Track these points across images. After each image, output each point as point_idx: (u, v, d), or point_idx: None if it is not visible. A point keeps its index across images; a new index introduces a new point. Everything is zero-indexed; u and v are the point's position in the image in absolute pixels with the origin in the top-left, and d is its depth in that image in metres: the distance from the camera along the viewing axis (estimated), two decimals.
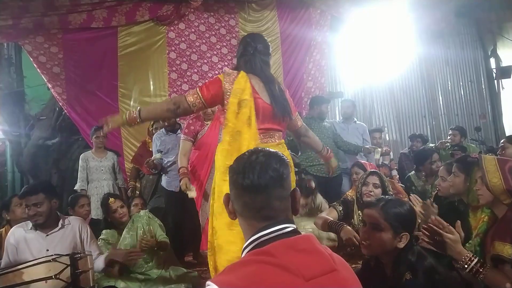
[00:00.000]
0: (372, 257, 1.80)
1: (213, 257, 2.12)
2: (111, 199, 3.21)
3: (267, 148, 1.14)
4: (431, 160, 3.90)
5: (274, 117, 2.26)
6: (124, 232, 3.15)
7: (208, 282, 0.94)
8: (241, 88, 2.17)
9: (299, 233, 1.05)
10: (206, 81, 2.56)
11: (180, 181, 3.26)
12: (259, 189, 1.03)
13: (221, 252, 2.06)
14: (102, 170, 4.30)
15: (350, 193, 3.11)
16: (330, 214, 2.88)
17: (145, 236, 3.11)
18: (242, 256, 1.04)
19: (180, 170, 3.28)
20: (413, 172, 4.02)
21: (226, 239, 2.04)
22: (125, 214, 3.23)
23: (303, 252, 0.98)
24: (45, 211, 2.54)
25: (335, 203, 3.03)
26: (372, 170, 2.95)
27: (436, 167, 3.74)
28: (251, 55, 2.27)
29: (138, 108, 2.30)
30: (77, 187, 4.24)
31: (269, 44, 2.39)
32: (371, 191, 2.74)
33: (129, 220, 3.23)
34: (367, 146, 4.46)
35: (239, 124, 2.14)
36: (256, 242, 1.02)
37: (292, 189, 1.10)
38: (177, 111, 2.25)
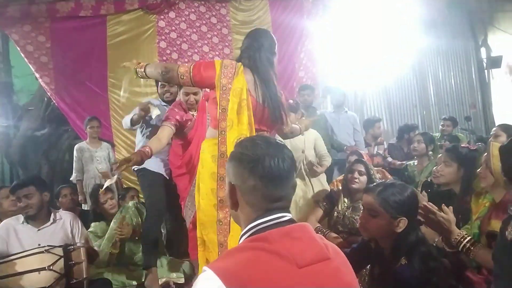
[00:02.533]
0: (372, 238, 1.83)
1: (203, 252, 2.13)
2: (101, 190, 3.20)
3: (272, 137, 1.16)
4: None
5: (263, 118, 2.21)
6: (111, 223, 3.15)
7: (204, 268, 0.95)
8: (240, 87, 2.13)
9: (295, 221, 1.06)
10: (203, 60, 2.53)
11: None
12: (282, 178, 1.04)
13: (212, 247, 2.07)
14: (97, 160, 4.31)
15: (339, 180, 3.25)
16: (316, 213, 3.02)
17: (127, 225, 3.10)
18: (239, 242, 1.06)
19: (143, 149, 2.57)
20: (411, 162, 4.06)
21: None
22: (114, 205, 3.23)
23: (298, 240, 0.99)
24: (36, 203, 2.53)
25: (319, 200, 3.13)
26: (357, 158, 3.10)
27: (415, 146, 3.84)
28: (255, 50, 2.23)
29: (146, 64, 2.40)
30: (72, 178, 4.24)
31: (276, 42, 2.33)
32: (356, 178, 2.84)
33: (117, 211, 3.23)
34: (349, 146, 4.53)
35: (243, 127, 2.10)
36: (253, 230, 1.04)
37: None
38: (165, 75, 2.25)
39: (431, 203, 1.87)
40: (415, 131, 4.93)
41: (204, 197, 2.14)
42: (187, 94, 2.98)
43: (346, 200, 2.92)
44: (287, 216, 1.06)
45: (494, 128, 4.31)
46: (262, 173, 1.03)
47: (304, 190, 3.42)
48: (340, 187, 3.10)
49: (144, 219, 3.18)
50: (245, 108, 2.09)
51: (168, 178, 3.22)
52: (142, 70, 2.35)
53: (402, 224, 1.66)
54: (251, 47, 2.24)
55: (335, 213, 2.91)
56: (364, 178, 2.83)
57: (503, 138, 3.89)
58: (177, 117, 2.91)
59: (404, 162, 4.33)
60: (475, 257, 1.78)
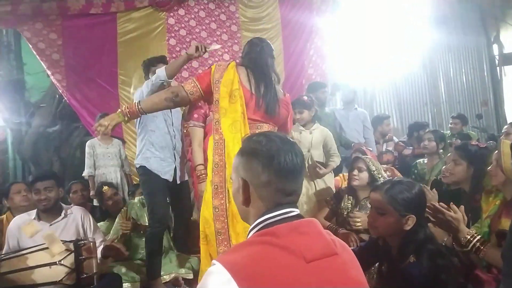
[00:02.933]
0: (381, 236, 1.82)
1: (206, 246, 2.15)
2: (105, 187, 3.26)
3: (280, 133, 1.17)
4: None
5: (257, 108, 2.23)
6: (116, 219, 3.18)
7: (213, 261, 0.97)
8: (230, 78, 2.20)
9: (303, 217, 1.07)
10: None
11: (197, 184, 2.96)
12: (297, 173, 1.07)
13: (213, 239, 2.08)
14: (109, 156, 4.35)
15: (343, 175, 3.32)
16: (323, 212, 3.04)
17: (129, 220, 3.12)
18: (248, 237, 1.07)
19: (198, 169, 2.92)
20: (421, 160, 4.02)
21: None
22: (118, 202, 3.26)
23: (305, 234, 1.01)
24: (54, 197, 2.57)
25: (328, 198, 3.13)
26: (355, 156, 3.08)
27: (426, 144, 3.78)
28: (257, 53, 2.32)
29: (138, 101, 2.28)
30: (85, 173, 4.27)
31: (273, 49, 2.44)
32: (355, 175, 2.83)
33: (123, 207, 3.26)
34: (356, 143, 4.43)
35: (237, 115, 2.15)
36: (262, 224, 1.05)
37: None
38: (175, 99, 2.24)
39: (441, 203, 1.85)
40: (425, 129, 4.89)
41: (208, 189, 2.16)
42: None
43: (350, 198, 2.91)
44: (295, 211, 1.07)
45: (505, 126, 4.27)
46: (277, 168, 1.04)
47: (306, 187, 3.38)
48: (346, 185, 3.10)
49: (148, 228, 3.09)
50: (237, 97, 2.16)
51: (171, 179, 3.09)
52: (136, 109, 2.20)
53: (411, 221, 1.65)
54: (252, 51, 2.34)
55: (344, 212, 2.90)
56: (364, 175, 2.80)
57: (506, 139, 3.86)
58: (203, 112, 3.06)
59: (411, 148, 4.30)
60: (485, 256, 1.77)
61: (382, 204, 1.70)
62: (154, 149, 3.04)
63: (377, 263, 1.88)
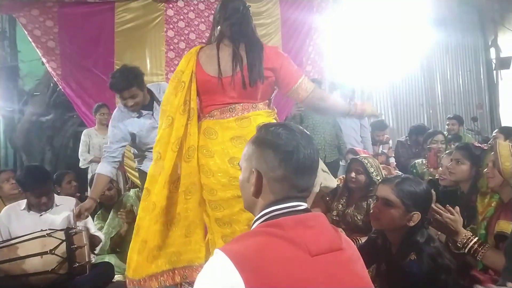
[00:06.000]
0: (380, 235, 1.82)
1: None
2: None
3: (301, 128, 1.10)
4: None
5: (224, 91, 1.96)
6: (111, 213, 3.16)
7: (216, 250, 0.95)
8: (181, 69, 1.99)
9: (310, 211, 1.06)
10: None
11: None
12: (312, 170, 1.05)
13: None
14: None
15: (340, 178, 3.21)
16: (318, 207, 2.95)
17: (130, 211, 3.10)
18: (253, 227, 1.05)
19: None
20: (420, 160, 4.01)
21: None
22: (112, 196, 3.23)
23: (311, 228, 0.99)
24: (51, 198, 2.61)
25: (324, 195, 3.07)
26: (354, 157, 3.02)
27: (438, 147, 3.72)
28: (216, 26, 2.04)
29: None
30: (82, 164, 4.22)
31: (238, 6, 2.03)
32: (353, 177, 2.80)
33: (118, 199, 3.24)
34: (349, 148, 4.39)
35: (172, 110, 1.97)
36: (268, 216, 1.02)
37: None
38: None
39: (437, 204, 1.87)
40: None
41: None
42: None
43: (343, 199, 2.90)
44: (303, 205, 1.05)
45: (495, 131, 4.29)
46: (296, 165, 1.01)
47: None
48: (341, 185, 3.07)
49: None
50: (179, 89, 1.97)
51: None
52: None
53: (416, 218, 1.65)
54: (214, 25, 2.07)
55: (334, 212, 2.88)
56: (361, 177, 2.78)
57: (501, 141, 3.87)
58: None
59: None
60: (483, 258, 1.76)
61: (391, 197, 1.69)
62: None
63: (375, 264, 1.86)
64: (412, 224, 1.65)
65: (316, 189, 2.41)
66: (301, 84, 2.00)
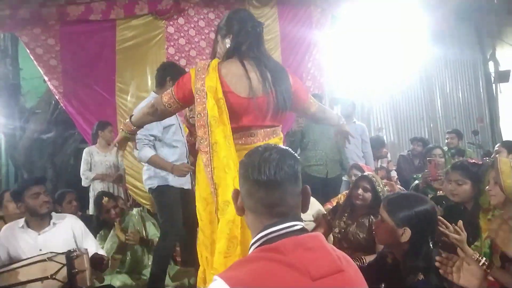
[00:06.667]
0: (389, 252, 1.82)
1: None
2: (105, 199, 3.19)
3: (279, 145, 1.13)
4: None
5: (253, 113, 1.84)
6: (112, 230, 3.13)
7: (215, 277, 0.94)
8: (213, 86, 1.81)
9: (307, 231, 1.04)
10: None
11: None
12: (275, 185, 1.02)
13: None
14: (107, 164, 4.28)
15: (344, 194, 3.18)
16: (320, 228, 2.94)
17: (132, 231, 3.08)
18: (250, 252, 1.03)
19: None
20: (420, 174, 3.99)
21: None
22: (117, 215, 3.20)
23: (311, 251, 0.97)
24: (51, 201, 2.55)
25: (325, 213, 3.08)
26: (363, 174, 2.95)
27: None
28: (250, 36, 1.90)
29: (130, 115, 2.17)
30: (85, 183, 4.18)
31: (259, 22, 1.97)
32: (360, 195, 2.74)
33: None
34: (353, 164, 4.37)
35: (227, 128, 1.81)
36: (264, 239, 1.01)
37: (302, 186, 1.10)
38: (156, 113, 2.04)
39: (443, 220, 1.85)
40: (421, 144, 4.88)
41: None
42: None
43: (345, 216, 2.83)
44: (299, 225, 1.04)
45: (497, 145, 4.28)
46: (257, 178, 1.03)
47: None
48: (342, 201, 3.03)
49: (161, 241, 3.00)
50: (223, 108, 1.80)
51: (190, 187, 3.08)
52: (129, 123, 2.10)
53: (406, 234, 1.64)
54: (242, 32, 1.90)
55: (336, 229, 2.84)
56: (368, 195, 2.73)
57: (504, 155, 3.86)
58: None
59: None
60: (492, 276, 1.73)
61: (383, 212, 1.74)
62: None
63: (385, 282, 1.84)
64: (403, 240, 1.65)
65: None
66: (310, 99, 2.08)
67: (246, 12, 2.05)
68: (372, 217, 2.66)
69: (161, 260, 2.93)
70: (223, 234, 1.71)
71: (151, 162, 2.86)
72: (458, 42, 7.61)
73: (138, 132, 2.26)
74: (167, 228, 2.98)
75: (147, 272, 3.08)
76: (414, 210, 1.68)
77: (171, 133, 3.00)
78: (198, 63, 1.92)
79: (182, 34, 5.39)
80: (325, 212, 3.10)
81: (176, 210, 2.96)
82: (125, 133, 2.14)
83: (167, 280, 3.05)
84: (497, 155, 4.10)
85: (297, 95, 1.99)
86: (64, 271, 2.22)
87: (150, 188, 3.03)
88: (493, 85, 7.85)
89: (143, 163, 3.04)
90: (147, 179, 3.02)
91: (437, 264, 1.57)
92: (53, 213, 2.62)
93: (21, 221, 2.53)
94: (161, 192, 2.98)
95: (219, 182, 1.77)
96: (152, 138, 2.88)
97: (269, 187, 1.02)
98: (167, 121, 2.79)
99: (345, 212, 2.85)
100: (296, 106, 2.02)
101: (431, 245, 1.68)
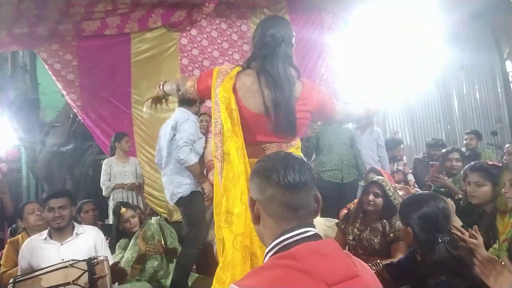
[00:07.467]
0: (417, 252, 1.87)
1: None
2: (123, 209, 3.23)
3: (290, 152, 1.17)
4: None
5: (264, 129, 1.83)
6: (132, 240, 3.16)
7: (231, 285, 0.94)
8: (226, 96, 1.81)
9: (321, 237, 1.04)
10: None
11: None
12: (300, 187, 1.03)
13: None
14: (125, 175, 4.37)
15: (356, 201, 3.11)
16: (336, 236, 2.94)
17: (152, 241, 3.11)
18: (265, 260, 1.04)
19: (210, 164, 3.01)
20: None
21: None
22: (135, 224, 3.23)
23: (326, 256, 0.97)
24: (68, 215, 2.58)
25: (338, 221, 3.04)
26: (373, 180, 2.89)
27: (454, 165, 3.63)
28: (273, 47, 1.81)
29: (164, 81, 2.25)
30: (105, 193, 4.29)
31: (293, 32, 1.90)
32: (371, 200, 2.70)
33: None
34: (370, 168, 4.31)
35: (239, 140, 1.80)
36: (279, 246, 1.02)
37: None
38: (178, 92, 2.11)
39: (460, 228, 1.80)
40: (440, 149, 4.78)
41: None
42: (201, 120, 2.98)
43: (358, 222, 2.79)
44: (312, 230, 1.04)
45: (506, 145, 4.14)
46: (282, 180, 1.02)
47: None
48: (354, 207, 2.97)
49: (185, 248, 3.03)
50: (235, 119, 1.80)
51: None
52: (162, 89, 2.20)
53: (409, 233, 1.76)
54: (269, 42, 1.83)
55: (350, 236, 2.80)
56: (379, 201, 2.68)
57: None
58: None
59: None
60: None
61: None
62: None
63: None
64: (410, 239, 1.78)
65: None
66: (335, 108, 2.03)
67: (274, 20, 1.96)
68: (385, 221, 2.63)
69: (184, 268, 2.97)
70: (234, 247, 1.72)
71: (193, 168, 2.95)
72: (474, 42, 7.48)
73: (185, 136, 2.82)
74: (193, 235, 3.02)
75: (166, 281, 3.10)
76: (413, 210, 1.77)
77: (200, 143, 3.14)
78: (223, 66, 1.94)
79: (195, 45, 5.47)
80: (338, 221, 3.07)
81: (203, 218, 3.03)
82: (159, 93, 2.23)
83: None
84: (505, 157, 4.03)
85: (323, 109, 1.96)
86: (85, 277, 2.27)
87: (181, 197, 3.08)
88: (511, 84, 7.69)
89: (179, 168, 3.09)
90: (178, 187, 3.08)
91: (476, 263, 1.58)
92: (75, 224, 2.69)
93: (44, 233, 2.61)
94: (193, 199, 3.05)
95: (225, 191, 1.79)
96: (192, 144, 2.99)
97: (295, 189, 1.03)
98: (200, 134, 3.00)
99: (358, 218, 2.82)
100: (321, 117, 2.11)
101: (445, 244, 1.66)
